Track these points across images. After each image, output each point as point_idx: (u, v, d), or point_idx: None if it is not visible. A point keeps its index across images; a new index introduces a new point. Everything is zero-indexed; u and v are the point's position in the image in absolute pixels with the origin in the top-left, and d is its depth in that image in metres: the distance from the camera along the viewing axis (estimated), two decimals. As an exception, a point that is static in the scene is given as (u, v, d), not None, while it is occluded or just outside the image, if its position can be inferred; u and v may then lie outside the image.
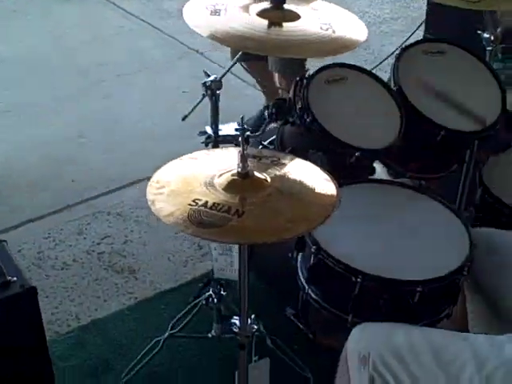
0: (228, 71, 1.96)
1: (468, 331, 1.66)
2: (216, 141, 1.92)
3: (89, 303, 2.38)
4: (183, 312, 2.17)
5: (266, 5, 1.72)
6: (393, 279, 1.53)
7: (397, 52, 2.04)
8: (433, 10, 2.82)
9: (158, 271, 2.53)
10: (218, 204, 1.38)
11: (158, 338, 2.11)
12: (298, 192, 1.46)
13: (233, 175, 1.45)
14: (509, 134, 2.04)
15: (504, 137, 2.02)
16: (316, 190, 1.46)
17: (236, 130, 1.86)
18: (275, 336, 2.07)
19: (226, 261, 1.97)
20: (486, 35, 2.16)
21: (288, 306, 1.96)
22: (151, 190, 1.44)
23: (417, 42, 2.09)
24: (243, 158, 1.43)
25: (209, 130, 1.93)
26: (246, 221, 1.35)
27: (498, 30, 2.15)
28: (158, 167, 1.50)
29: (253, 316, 1.65)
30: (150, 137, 3.25)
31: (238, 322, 1.63)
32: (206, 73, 1.86)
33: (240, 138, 1.44)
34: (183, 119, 1.98)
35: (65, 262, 2.55)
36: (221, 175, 1.46)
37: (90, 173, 3.02)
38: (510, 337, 1.39)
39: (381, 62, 3.17)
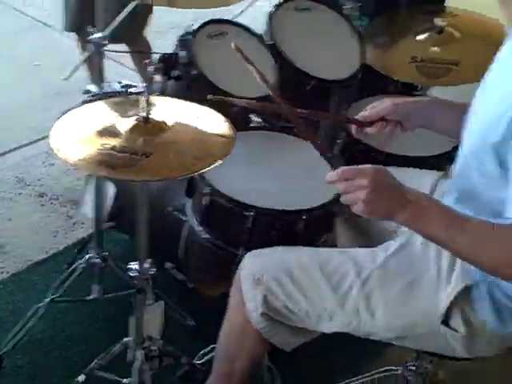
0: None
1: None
2: (101, 97, 1.97)
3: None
4: (63, 278, 2.18)
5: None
6: (282, 210, 1.71)
7: (271, 9, 2.20)
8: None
9: (26, 244, 2.51)
10: (126, 147, 1.48)
11: (39, 305, 2.11)
12: (199, 132, 1.58)
13: (136, 120, 1.56)
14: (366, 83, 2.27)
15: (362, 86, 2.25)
16: (215, 131, 1.60)
17: (122, 86, 1.96)
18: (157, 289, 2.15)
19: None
20: (344, -5, 2.40)
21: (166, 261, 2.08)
22: (54, 139, 1.51)
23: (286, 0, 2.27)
24: (148, 102, 1.54)
25: (93, 88, 1.99)
26: (154, 160, 1.45)
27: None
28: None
29: (149, 260, 1.72)
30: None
31: (135, 267, 1.71)
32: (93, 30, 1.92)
33: (144, 84, 1.54)
34: (66, 79, 1.99)
35: None
36: (122, 121, 1.57)
37: None
38: (380, 247, 1.59)
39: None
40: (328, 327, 1.54)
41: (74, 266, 2.16)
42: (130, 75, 3.04)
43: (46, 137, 3.01)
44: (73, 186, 2.84)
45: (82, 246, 2.29)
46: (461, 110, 1.52)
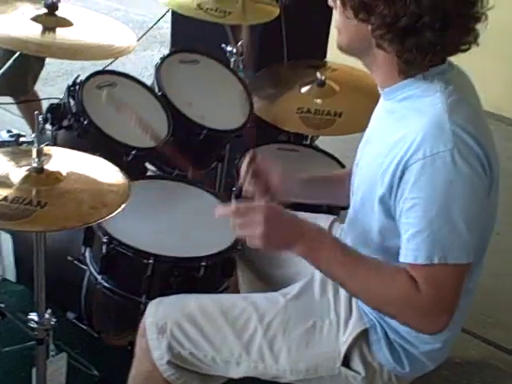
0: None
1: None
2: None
3: None
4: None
5: (40, 10, 1.80)
6: (181, 257, 1.70)
7: (158, 61, 2.23)
8: (176, 28, 3.07)
9: None
10: (19, 197, 1.44)
11: None
12: (95, 182, 1.57)
13: (28, 170, 1.52)
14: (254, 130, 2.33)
15: (251, 133, 2.32)
16: (110, 181, 1.59)
17: (11, 135, 1.91)
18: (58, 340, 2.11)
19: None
20: (229, 48, 2.47)
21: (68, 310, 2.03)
22: None
23: (174, 52, 2.31)
24: (39, 153, 1.51)
25: (-21, 137, 1.93)
26: (50, 210, 1.43)
27: (239, 43, 2.46)
28: None
29: (49, 311, 1.70)
30: None
31: (35, 318, 1.67)
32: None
33: (34, 134, 1.51)
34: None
35: None
36: (14, 172, 1.52)
37: None
38: (280, 292, 1.62)
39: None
40: (236, 372, 1.54)
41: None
42: (15, 121, 2.96)
43: None
44: None
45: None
46: (336, 182, 1.68)
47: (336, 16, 1.38)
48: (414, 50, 1.27)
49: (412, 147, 1.27)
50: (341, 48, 1.41)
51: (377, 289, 1.35)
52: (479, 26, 1.29)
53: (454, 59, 1.37)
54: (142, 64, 4.25)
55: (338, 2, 1.34)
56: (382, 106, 1.48)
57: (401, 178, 1.29)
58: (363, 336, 1.50)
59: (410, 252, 1.30)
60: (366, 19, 1.29)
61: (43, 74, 3.01)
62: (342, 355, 1.49)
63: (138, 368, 1.60)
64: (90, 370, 2.07)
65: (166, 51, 3.54)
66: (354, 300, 1.55)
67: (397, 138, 1.32)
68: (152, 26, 2.61)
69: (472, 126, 1.28)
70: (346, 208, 1.65)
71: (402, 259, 1.32)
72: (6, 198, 1.43)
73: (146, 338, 1.55)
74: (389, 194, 1.33)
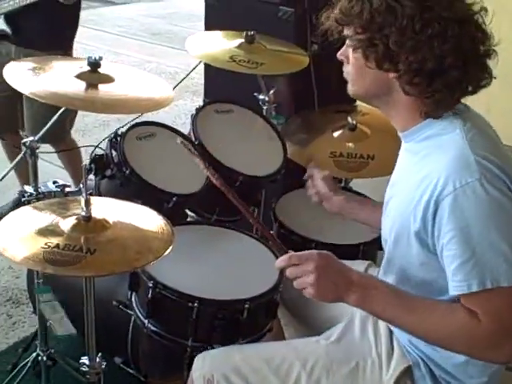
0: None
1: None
2: (38, 198, 2.00)
3: None
4: (9, 379, 2.15)
5: (83, 68, 1.91)
6: (224, 300, 1.75)
7: (193, 112, 2.31)
8: (209, 78, 3.17)
9: None
10: (70, 245, 1.51)
11: None
12: (139, 229, 1.64)
13: (77, 219, 1.59)
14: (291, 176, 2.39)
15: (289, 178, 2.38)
16: (154, 227, 1.66)
17: (57, 186, 1.99)
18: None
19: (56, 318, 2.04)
20: (261, 96, 2.55)
21: (115, 355, 2.08)
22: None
23: (209, 103, 2.39)
24: (87, 202, 1.58)
25: (28, 188, 2.01)
26: (99, 256, 1.50)
27: (271, 92, 2.54)
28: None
29: (99, 354, 1.75)
30: None
31: (86, 361, 1.72)
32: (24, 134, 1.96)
33: (82, 185, 1.58)
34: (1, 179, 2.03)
35: None
36: (63, 221, 1.59)
37: None
38: (322, 336, 1.66)
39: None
40: None
41: (20, 366, 2.13)
42: (56, 171, 3.08)
43: None
44: (10, 285, 2.84)
45: (26, 344, 2.27)
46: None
47: (348, 68, 1.45)
48: (444, 90, 1.33)
49: (439, 183, 1.32)
50: (357, 97, 1.47)
51: (436, 326, 1.37)
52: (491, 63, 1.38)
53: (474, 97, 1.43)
54: (175, 113, 4.37)
55: (353, 55, 1.40)
56: (403, 148, 1.54)
57: (434, 214, 1.33)
58: (407, 373, 1.51)
59: (460, 283, 1.32)
60: (391, 68, 1.34)
61: (81, 125, 3.16)
62: None
63: None
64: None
65: (198, 100, 3.66)
66: (395, 337, 1.57)
67: (422, 176, 1.37)
68: (185, 78, 2.70)
69: (493, 156, 1.34)
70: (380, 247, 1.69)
71: (453, 292, 1.34)
72: (58, 246, 1.50)
73: None
74: (424, 231, 1.37)
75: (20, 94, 1.94)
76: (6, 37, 2.83)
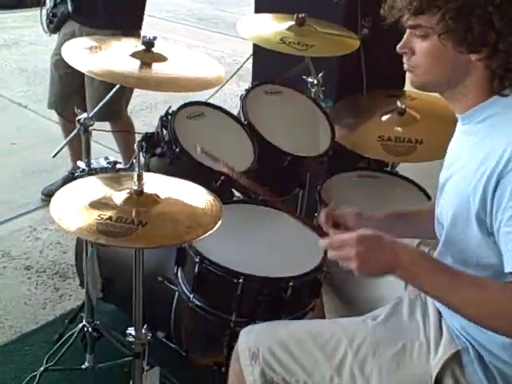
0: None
1: (325, 319, 1.94)
2: (90, 173, 2.05)
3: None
4: (56, 348, 2.23)
5: (138, 47, 1.95)
6: (269, 277, 1.77)
7: (243, 92, 2.33)
8: (258, 62, 3.18)
9: (16, 316, 2.55)
10: (122, 217, 1.55)
11: (34, 373, 2.14)
12: (189, 205, 1.68)
13: (129, 193, 1.63)
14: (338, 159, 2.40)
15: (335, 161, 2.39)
16: (202, 203, 1.69)
17: (108, 162, 2.04)
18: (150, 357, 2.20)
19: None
20: (309, 79, 2.56)
21: (158, 330, 2.13)
22: (54, 210, 1.57)
23: (258, 84, 2.41)
24: (139, 177, 1.62)
25: (81, 164, 2.07)
26: (150, 229, 1.54)
27: (320, 75, 2.54)
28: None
29: (145, 326, 1.79)
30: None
31: (132, 332, 1.77)
32: (78, 111, 2.01)
33: (136, 160, 1.62)
34: (54, 156, 2.09)
35: None
36: (116, 195, 1.64)
37: None
38: (368, 316, 1.65)
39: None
40: None
41: (66, 337, 2.19)
42: (104, 152, 3.16)
43: (28, 212, 3.10)
44: (57, 259, 2.93)
45: (73, 316, 2.34)
46: (415, 219, 1.71)
47: (415, 59, 1.42)
48: None
49: (503, 159, 1.30)
50: (424, 86, 1.45)
51: (485, 304, 1.33)
52: None
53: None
54: (221, 97, 4.40)
55: (427, 43, 1.38)
56: (458, 131, 1.52)
57: (495, 189, 1.32)
58: (455, 358, 1.50)
59: None
60: (484, 51, 1.34)
61: (128, 107, 3.22)
62: (433, 378, 1.49)
63: None
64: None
65: (244, 85, 3.68)
66: (443, 322, 1.56)
67: (483, 156, 1.35)
68: (244, 63, 2.73)
69: None
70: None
71: (508, 269, 1.31)
72: (110, 218, 1.54)
73: (240, 363, 1.61)
74: (483, 210, 1.35)
75: (82, 74, 1.98)
76: (69, 16, 2.90)
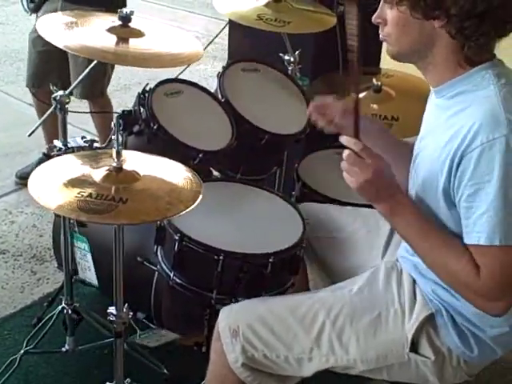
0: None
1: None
2: (66, 152, 2.02)
3: None
4: (35, 330, 2.21)
5: (115, 23, 1.92)
6: (250, 253, 1.78)
7: (219, 71, 2.32)
8: (234, 41, 3.17)
9: None
10: (102, 194, 1.54)
11: (14, 357, 2.12)
12: (169, 181, 1.67)
13: (108, 170, 1.62)
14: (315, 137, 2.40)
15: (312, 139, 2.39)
16: (182, 180, 1.68)
17: (85, 141, 2.02)
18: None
19: (85, 265, 2.09)
20: (286, 57, 2.55)
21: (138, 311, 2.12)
22: (32, 188, 1.55)
23: (235, 61, 2.40)
24: (118, 154, 1.61)
25: (58, 143, 2.04)
26: (131, 206, 1.53)
27: (296, 52, 2.54)
28: None
29: (126, 305, 1.79)
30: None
31: (113, 311, 1.76)
32: (54, 88, 1.98)
33: (115, 136, 1.61)
34: (29, 135, 2.05)
35: None
36: (95, 172, 1.63)
37: None
38: (346, 283, 1.69)
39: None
40: (308, 370, 1.60)
41: (45, 319, 2.18)
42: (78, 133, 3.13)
43: (3, 196, 3.04)
44: (34, 242, 2.89)
45: (51, 298, 2.33)
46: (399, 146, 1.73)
47: (387, 29, 1.45)
48: (492, 32, 1.34)
49: (468, 137, 1.34)
50: (398, 56, 1.47)
51: (443, 260, 1.42)
52: None
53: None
54: (196, 78, 4.37)
55: (395, 10, 1.40)
56: (433, 104, 1.54)
57: (458, 165, 1.36)
58: (429, 321, 1.55)
59: (472, 234, 1.36)
60: (441, 15, 1.35)
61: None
62: (409, 340, 1.54)
63: (213, 371, 1.68)
64: (159, 368, 2.16)
65: (219, 65, 3.67)
66: (417, 288, 1.60)
67: (453, 132, 1.39)
68: (215, 37, 2.72)
69: None
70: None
71: (465, 241, 1.38)
72: (90, 195, 1.53)
73: (221, 341, 1.63)
74: (448, 183, 1.40)
75: (61, 51, 1.95)
76: None
